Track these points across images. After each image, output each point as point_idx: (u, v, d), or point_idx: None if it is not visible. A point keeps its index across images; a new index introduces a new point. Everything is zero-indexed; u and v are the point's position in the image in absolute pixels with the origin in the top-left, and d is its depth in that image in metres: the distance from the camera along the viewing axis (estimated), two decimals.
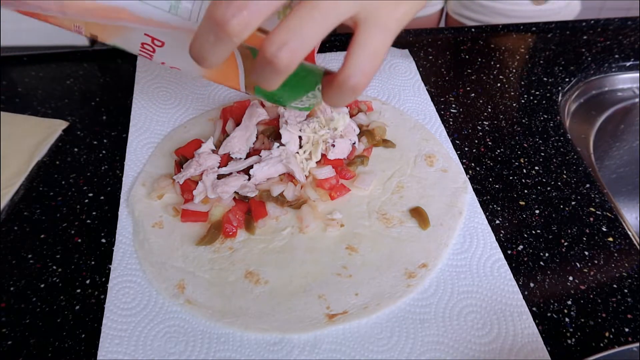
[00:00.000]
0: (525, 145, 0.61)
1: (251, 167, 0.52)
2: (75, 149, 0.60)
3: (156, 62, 0.40)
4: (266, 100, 0.47)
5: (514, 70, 0.72)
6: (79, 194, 0.55)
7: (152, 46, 0.38)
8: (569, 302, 0.46)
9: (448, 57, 0.74)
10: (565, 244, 0.51)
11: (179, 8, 0.34)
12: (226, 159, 0.55)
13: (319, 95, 0.40)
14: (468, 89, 0.69)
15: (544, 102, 0.67)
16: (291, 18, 0.29)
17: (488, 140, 0.62)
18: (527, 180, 0.57)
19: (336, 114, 0.55)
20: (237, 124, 0.57)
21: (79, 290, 0.47)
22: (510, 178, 0.57)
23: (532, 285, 0.47)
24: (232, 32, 0.28)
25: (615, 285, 0.47)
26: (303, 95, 0.42)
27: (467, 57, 0.74)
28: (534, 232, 0.52)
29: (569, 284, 0.47)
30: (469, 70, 0.72)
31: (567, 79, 0.70)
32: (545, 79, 0.70)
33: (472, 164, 0.58)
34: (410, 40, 0.77)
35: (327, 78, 0.35)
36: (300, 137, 0.54)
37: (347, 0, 0.30)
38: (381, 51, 0.32)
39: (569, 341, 0.43)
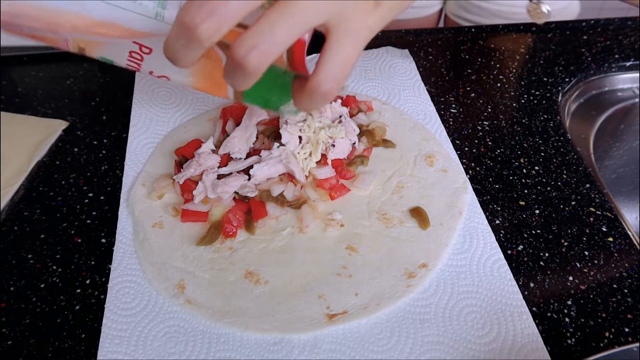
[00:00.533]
0: (525, 145, 0.61)
1: (251, 167, 0.52)
2: (75, 149, 0.60)
3: (144, 72, 0.40)
4: (257, 106, 0.46)
5: (514, 70, 0.72)
6: (79, 194, 0.55)
7: (140, 54, 0.38)
8: (569, 302, 0.46)
9: (448, 57, 0.74)
10: (565, 244, 0.51)
11: (164, 16, 0.35)
12: (226, 159, 0.55)
13: None
14: (468, 89, 0.69)
15: (544, 102, 0.67)
16: (262, 21, 0.29)
17: (488, 140, 0.62)
18: (527, 180, 0.57)
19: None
20: (237, 124, 0.57)
21: (79, 290, 0.47)
22: (510, 178, 0.57)
23: (532, 285, 0.47)
24: (201, 37, 0.28)
25: (615, 285, 0.47)
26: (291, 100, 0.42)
27: (467, 57, 0.74)
28: (534, 232, 0.52)
29: (569, 284, 0.47)
30: (469, 70, 0.72)
31: (567, 79, 0.70)
32: (545, 79, 0.70)
33: (472, 164, 0.58)
34: (410, 40, 0.77)
35: (299, 82, 0.35)
36: (300, 137, 0.54)
37: (319, 5, 0.30)
38: (352, 58, 0.32)
39: (569, 341, 0.43)
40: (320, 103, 0.33)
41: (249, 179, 0.52)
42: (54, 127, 0.62)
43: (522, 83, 0.70)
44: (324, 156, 0.54)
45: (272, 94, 0.40)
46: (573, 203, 0.54)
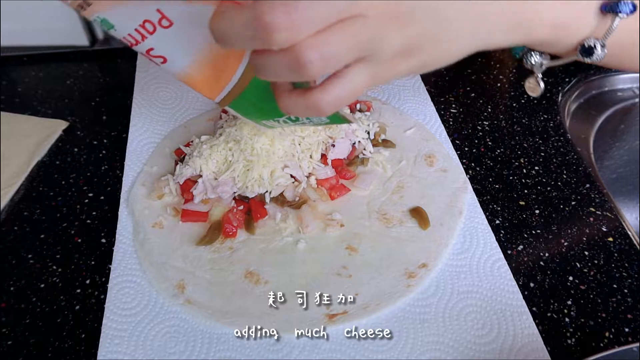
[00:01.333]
0: (525, 145, 0.61)
1: None
2: (75, 149, 0.60)
3: (142, 48, 0.36)
4: (240, 114, 0.44)
5: (514, 70, 0.72)
6: (79, 194, 0.55)
7: (155, 26, 0.34)
8: (569, 302, 0.46)
9: None
10: (565, 244, 0.51)
11: None
12: None
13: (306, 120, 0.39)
14: (468, 89, 0.69)
15: (544, 102, 0.67)
16: (346, 74, 0.29)
17: (488, 140, 0.62)
18: (527, 180, 0.57)
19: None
20: None
21: (79, 290, 0.47)
22: (510, 178, 0.57)
23: (532, 285, 0.47)
24: (273, 41, 0.26)
25: (615, 285, 0.47)
26: (284, 115, 0.40)
27: (467, 57, 0.74)
28: (534, 232, 0.52)
29: (569, 284, 0.47)
30: (469, 70, 0.72)
31: (567, 79, 0.70)
32: (545, 79, 0.70)
33: (472, 164, 0.58)
34: None
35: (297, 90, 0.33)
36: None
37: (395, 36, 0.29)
38: (361, 91, 0.31)
39: (569, 341, 0.43)
40: (306, 113, 0.32)
41: None
42: (54, 127, 0.62)
43: (522, 83, 0.70)
44: (324, 156, 0.54)
45: (266, 104, 0.39)
46: (573, 203, 0.54)
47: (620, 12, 0.35)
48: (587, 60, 0.37)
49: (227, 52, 0.36)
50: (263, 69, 0.29)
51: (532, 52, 0.43)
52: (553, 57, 0.42)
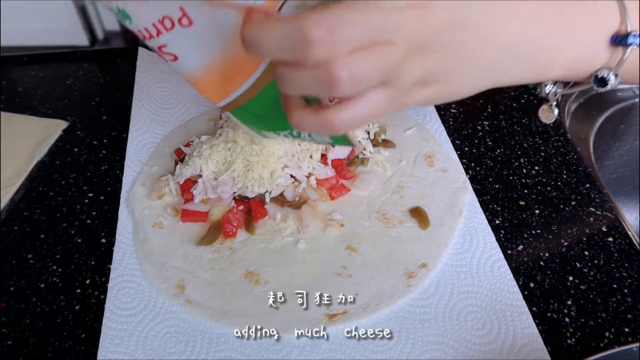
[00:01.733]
0: (525, 145, 0.61)
1: None
2: (75, 149, 0.60)
3: (154, 44, 0.35)
4: (242, 122, 0.43)
5: None
6: (79, 194, 0.55)
7: (174, 23, 0.33)
8: (569, 302, 0.46)
9: None
10: (565, 244, 0.51)
11: None
12: None
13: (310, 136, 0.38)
14: None
15: (544, 102, 0.67)
16: (364, 99, 0.29)
17: (488, 140, 0.62)
18: (527, 180, 0.57)
19: None
20: None
21: (79, 290, 0.47)
22: (510, 178, 0.57)
23: (532, 285, 0.47)
24: (309, 55, 0.26)
25: (615, 285, 0.47)
26: (286, 130, 0.39)
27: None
28: (534, 232, 0.52)
29: (569, 284, 0.47)
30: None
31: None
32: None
33: (472, 164, 0.58)
34: None
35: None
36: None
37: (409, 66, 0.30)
38: (378, 114, 0.31)
39: (569, 341, 0.43)
40: (318, 130, 0.31)
41: None
42: (54, 127, 0.62)
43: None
44: (324, 156, 0.54)
45: (270, 116, 0.38)
46: (573, 203, 0.54)
47: (631, 44, 0.35)
48: (601, 90, 0.37)
49: (240, 61, 0.35)
50: (289, 81, 0.29)
51: (546, 82, 0.43)
52: (566, 84, 0.42)
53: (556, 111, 0.44)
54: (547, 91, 0.43)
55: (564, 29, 0.34)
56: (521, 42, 0.33)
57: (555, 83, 0.43)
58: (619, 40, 0.35)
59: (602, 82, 0.37)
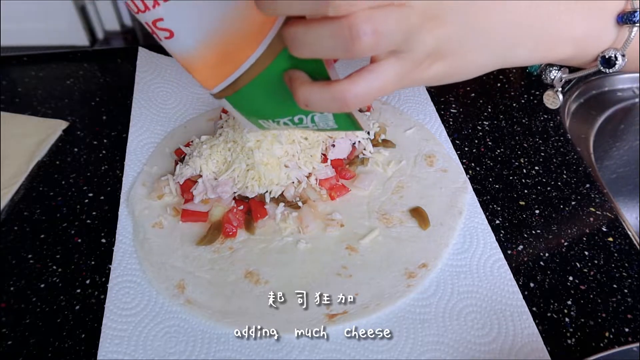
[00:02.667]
0: (525, 145, 0.61)
1: None
2: (75, 149, 0.60)
3: (149, 17, 0.32)
4: (237, 112, 0.39)
5: (514, 70, 0.72)
6: (79, 194, 0.55)
7: None
8: (569, 302, 0.46)
9: None
10: (565, 244, 0.51)
11: None
12: None
13: (321, 122, 0.36)
14: (468, 89, 0.69)
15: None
16: (373, 68, 0.29)
17: (488, 140, 0.62)
18: (527, 180, 0.57)
19: None
20: None
21: (79, 290, 0.47)
22: (510, 178, 0.57)
23: (532, 285, 0.47)
24: (330, 5, 0.25)
25: (615, 285, 0.47)
26: (287, 116, 0.37)
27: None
28: (534, 232, 0.52)
29: (569, 284, 0.47)
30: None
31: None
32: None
33: (472, 164, 0.58)
34: None
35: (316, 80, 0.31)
36: None
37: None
38: (389, 89, 0.31)
39: (569, 341, 0.43)
40: (328, 106, 0.30)
41: None
42: (54, 127, 0.62)
43: (522, 83, 0.70)
44: (324, 156, 0.54)
45: (271, 100, 0.36)
46: (573, 203, 0.54)
47: (637, 21, 0.35)
48: (609, 70, 0.38)
49: (241, 35, 0.32)
50: (304, 40, 0.27)
51: (551, 67, 0.43)
52: (572, 69, 0.42)
53: (561, 97, 0.44)
54: (552, 77, 0.43)
55: (572, 6, 0.35)
56: (531, 17, 0.33)
57: (560, 68, 0.43)
58: (625, 18, 0.35)
59: (609, 62, 0.37)
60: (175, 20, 0.32)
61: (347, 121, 0.36)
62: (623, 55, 0.37)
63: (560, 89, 0.45)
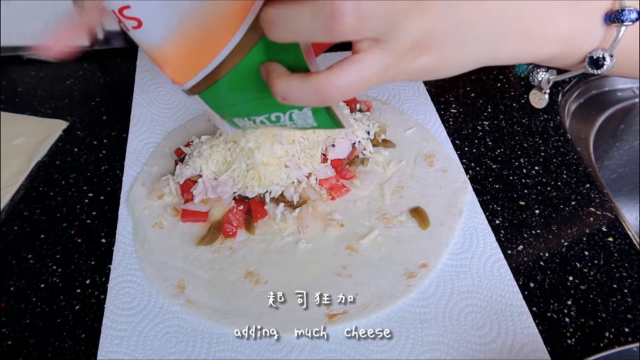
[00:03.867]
0: (525, 145, 0.61)
1: None
2: (75, 149, 0.60)
3: (115, 5, 0.29)
4: (209, 107, 0.38)
5: (514, 70, 0.72)
6: (79, 194, 0.55)
7: None
8: (569, 302, 0.46)
9: None
10: (565, 244, 0.51)
11: None
12: None
13: (303, 119, 0.34)
14: (468, 89, 0.69)
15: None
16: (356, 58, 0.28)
17: (488, 140, 0.62)
18: (527, 180, 0.57)
19: None
20: None
21: (79, 290, 0.47)
22: (510, 178, 0.57)
23: (532, 285, 0.47)
24: (337, 30, 0.25)
25: (615, 285, 0.47)
26: (264, 114, 0.35)
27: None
28: (534, 232, 0.52)
29: (569, 284, 0.47)
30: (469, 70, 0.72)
31: (567, 79, 0.70)
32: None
33: (472, 164, 0.58)
34: None
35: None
36: None
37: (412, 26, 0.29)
38: (370, 83, 0.30)
39: (569, 341, 0.43)
40: (307, 99, 0.29)
41: None
42: (54, 127, 0.62)
43: (522, 83, 0.70)
44: (324, 156, 0.54)
45: (247, 96, 0.34)
46: (573, 203, 0.54)
47: (625, 20, 0.34)
48: (596, 72, 0.37)
49: (217, 24, 0.30)
50: (282, 22, 0.26)
51: (538, 69, 0.42)
52: (560, 71, 0.41)
53: (547, 97, 0.44)
54: (540, 78, 0.43)
55: (557, 4, 0.34)
56: (515, 12, 0.32)
57: (547, 70, 0.42)
58: (613, 17, 0.35)
59: (597, 63, 0.36)
60: (143, 7, 0.29)
61: (327, 117, 0.34)
62: (611, 56, 0.36)
63: (547, 91, 0.44)
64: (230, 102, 0.36)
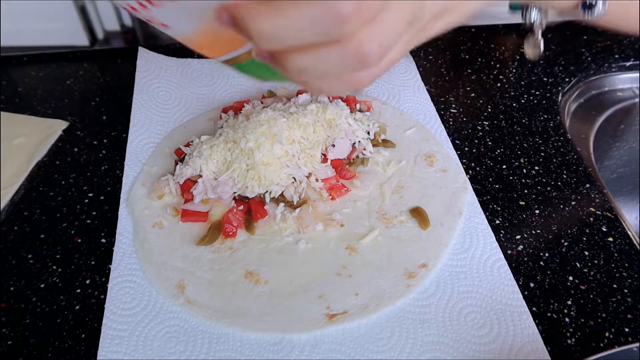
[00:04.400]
0: (525, 145, 0.61)
1: None
2: (75, 149, 0.60)
3: (141, 17, 0.33)
4: (254, 76, 0.40)
5: (514, 70, 0.72)
6: (79, 194, 0.55)
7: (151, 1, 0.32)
8: (569, 302, 0.46)
9: (448, 57, 0.74)
10: (565, 244, 0.51)
11: None
12: None
13: None
14: (468, 89, 0.69)
15: (544, 102, 0.67)
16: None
17: (488, 140, 0.62)
18: (527, 180, 0.57)
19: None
20: None
21: (79, 290, 0.47)
22: (510, 178, 0.57)
23: (532, 285, 0.47)
24: (343, 31, 0.25)
25: (615, 285, 0.47)
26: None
27: (467, 57, 0.74)
28: (534, 232, 0.52)
29: (569, 284, 0.47)
30: (469, 70, 0.72)
31: (567, 79, 0.70)
32: (545, 79, 0.70)
33: (472, 164, 0.58)
34: None
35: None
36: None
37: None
38: (399, 32, 0.29)
39: (569, 341, 0.43)
40: (354, 69, 0.29)
41: None
42: (54, 127, 0.62)
43: (522, 83, 0.70)
44: (324, 156, 0.54)
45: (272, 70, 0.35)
46: (573, 203, 0.54)
47: None
48: (589, 16, 0.38)
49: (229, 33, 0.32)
50: (314, 66, 0.27)
51: (532, 8, 0.44)
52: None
53: (542, 46, 0.45)
54: (532, 18, 0.44)
55: None
56: None
57: (540, 10, 0.43)
58: None
59: (590, 7, 0.38)
60: (167, 18, 0.34)
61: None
62: (603, 2, 0.37)
63: (540, 37, 0.45)
64: (266, 69, 0.37)
